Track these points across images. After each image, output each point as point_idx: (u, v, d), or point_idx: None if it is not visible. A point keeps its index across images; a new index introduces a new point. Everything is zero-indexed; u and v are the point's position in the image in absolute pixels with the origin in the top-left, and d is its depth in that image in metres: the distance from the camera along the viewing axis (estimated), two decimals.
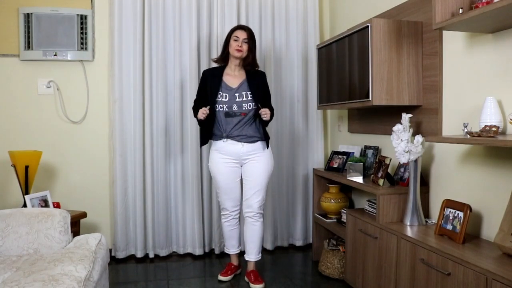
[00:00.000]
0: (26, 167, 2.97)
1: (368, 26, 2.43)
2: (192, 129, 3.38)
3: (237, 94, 2.77)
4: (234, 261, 3.02)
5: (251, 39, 2.79)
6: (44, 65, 3.33)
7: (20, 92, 3.31)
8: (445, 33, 2.28)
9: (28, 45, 3.24)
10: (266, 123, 2.82)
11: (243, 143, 2.78)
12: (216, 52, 3.41)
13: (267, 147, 2.84)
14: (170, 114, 3.43)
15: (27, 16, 3.22)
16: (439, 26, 1.93)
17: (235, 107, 2.75)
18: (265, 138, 2.83)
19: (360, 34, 2.53)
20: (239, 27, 2.84)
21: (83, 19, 3.31)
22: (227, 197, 2.86)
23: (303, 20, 3.61)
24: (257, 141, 2.80)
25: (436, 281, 1.86)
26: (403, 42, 2.45)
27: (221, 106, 2.76)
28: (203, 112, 2.72)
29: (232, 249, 3.00)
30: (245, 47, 2.77)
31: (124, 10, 3.30)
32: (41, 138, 3.33)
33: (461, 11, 1.86)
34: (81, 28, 3.31)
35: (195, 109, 2.88)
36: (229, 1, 3.43)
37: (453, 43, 2.23)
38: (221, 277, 2.95)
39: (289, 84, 3.59)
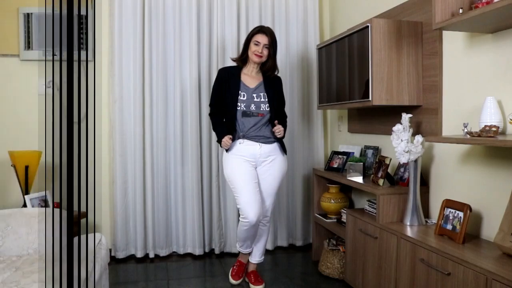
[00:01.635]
0: (26, 167, 2.97)
1: (368, 26, 2.43)
2: (192, 129, 3.38)
3: (254, 95, 2.71)
4: (246, 260, 2.96)
5: (272, 44, 2.69)
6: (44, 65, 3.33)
7: (20, 92, 3.31)
8: (445, 33, 2.28)
9: (28, 45, 3.24)
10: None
11: (260, 144, 2.71)
12: (216, 52, 3.42)
13: (285, 153, 2.81)
14: (170, 114, 3.43)
15: (27, 16, 3.22)
16: (439, 26, 1.93)
17: (252, 107, 2.69)
18: (283, 147, 2.79)
19: (360, 34, 2.53)
20: (261, 31, 2.68)
21: (83, 19, 3.30)
22: (249, 207, 2.61)
23: (303, 20, 3.61)
24: (274, 142, 2.76)
25: (436, 281, 1.86)
26: (403, 42, 2.45)
27: (239, 104, 2.69)
28: (227, 142, 2.66)
29: (247, 249, 2.90)
30: (265, 52, 2.68)
31: (124, 10, 3.30)
32: (41, 138, 3.33)
33: (461, 11, 1.86)
34: (81, 28, 3.31)
35: (214, 121, 2.81)
36: (229, 1, 3.43)
37: (453, 43, 2.23)
38: (233, 281, 2.90)
39: (289, 84, 3.59)
